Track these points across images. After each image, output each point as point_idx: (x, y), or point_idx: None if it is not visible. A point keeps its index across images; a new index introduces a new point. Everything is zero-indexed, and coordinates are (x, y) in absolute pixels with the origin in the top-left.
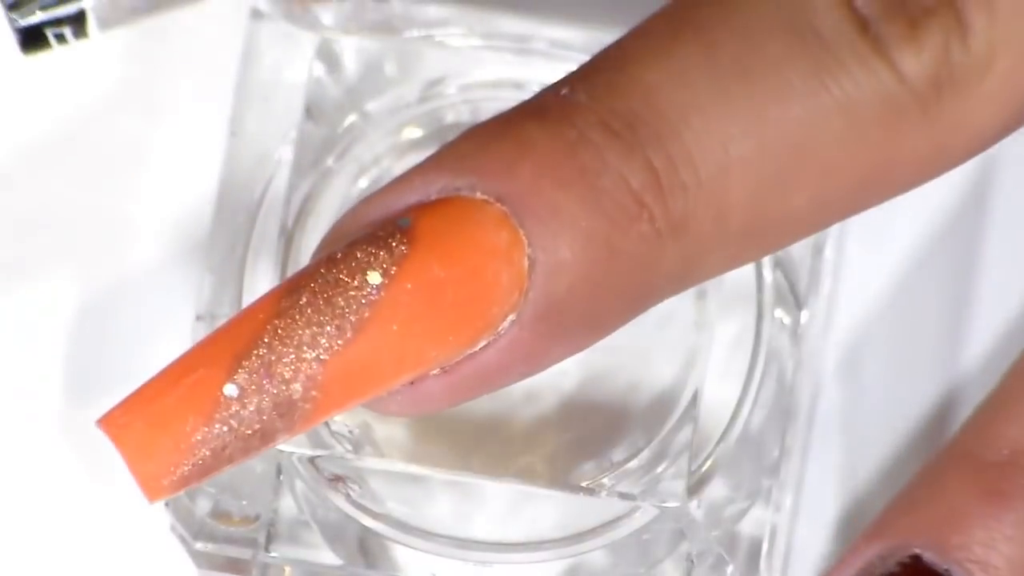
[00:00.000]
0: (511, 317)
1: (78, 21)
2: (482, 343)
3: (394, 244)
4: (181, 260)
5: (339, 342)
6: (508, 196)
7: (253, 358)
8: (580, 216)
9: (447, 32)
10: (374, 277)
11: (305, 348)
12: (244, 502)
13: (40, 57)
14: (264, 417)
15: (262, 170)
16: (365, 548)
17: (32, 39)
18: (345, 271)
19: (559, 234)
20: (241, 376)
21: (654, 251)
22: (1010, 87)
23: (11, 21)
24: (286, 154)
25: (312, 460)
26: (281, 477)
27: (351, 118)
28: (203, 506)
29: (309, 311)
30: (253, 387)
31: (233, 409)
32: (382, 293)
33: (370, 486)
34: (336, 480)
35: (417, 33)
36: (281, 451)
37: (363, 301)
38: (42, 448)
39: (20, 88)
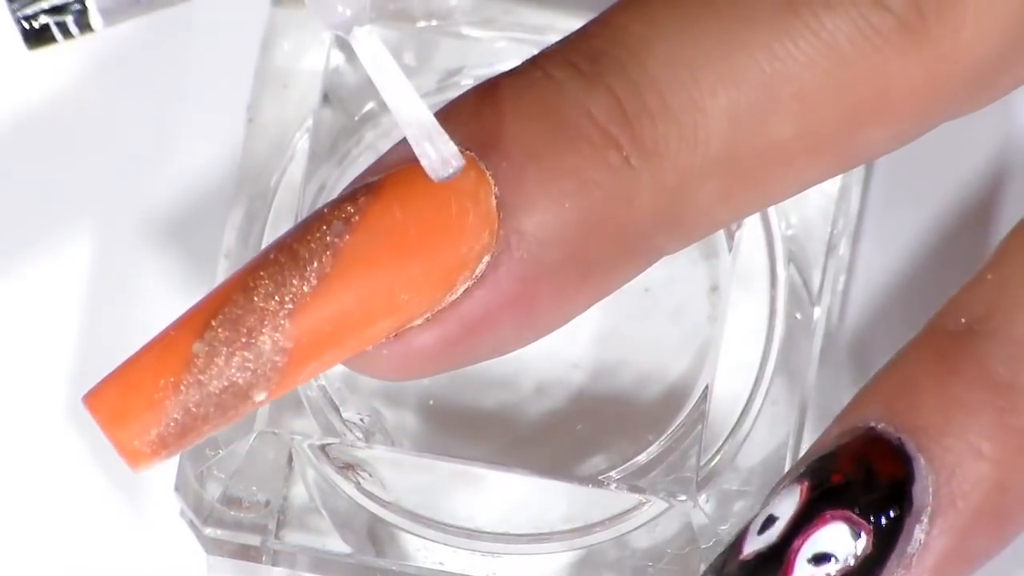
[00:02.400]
0: (486, 258)
1: (80, 13)
2: (461, 287)
3: (359, 198)
4: (196, 245)
5: (304, 288)
6: (472, 139)
7: (221, 317)
8: (543, 148)
9: (465, 22)
10: (337, 227)
11: (272, 301)
12: (254, 488)
13: (47, 50)
14: (235, 372)
15: (279, 157)
16: (374, 536)
17: (35, 33)
18: (311, 228)
19: (523, 167)
20: (209, 334)
21: (627, 182)
22: (997, 2)
23: (12, 12)
24: (303, 142)
25: (323, 448)
26: (292, 464)
27: (368, 106)
28: (213, 492)
29: (273, 268)
30: (220, 342)
31: (202, 364)
32: (346, 237)
33: (380, 475)
34: (346, 468)
35: (435, 23)
36: (293, 438)
37: (326, 251)
38: (49, 435)
39: (39, 73)
